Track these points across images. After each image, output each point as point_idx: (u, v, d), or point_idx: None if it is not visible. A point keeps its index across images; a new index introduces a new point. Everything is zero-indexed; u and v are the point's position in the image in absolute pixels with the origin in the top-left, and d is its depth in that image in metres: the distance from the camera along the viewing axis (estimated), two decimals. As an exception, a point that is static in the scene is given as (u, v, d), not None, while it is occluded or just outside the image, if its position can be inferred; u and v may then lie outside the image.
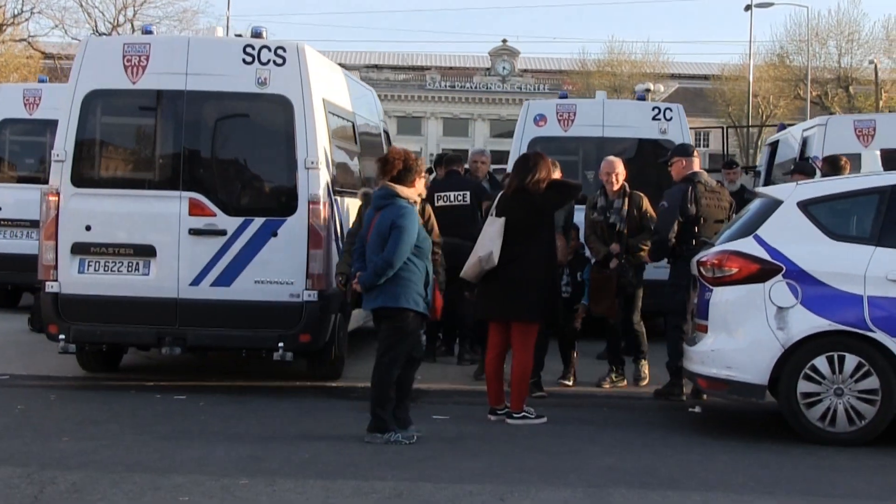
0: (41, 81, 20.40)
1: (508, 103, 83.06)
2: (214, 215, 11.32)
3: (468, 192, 13.41)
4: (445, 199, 13.54)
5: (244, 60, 11.44)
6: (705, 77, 70.65)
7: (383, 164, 9.47)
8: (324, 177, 11.41)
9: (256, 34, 11.72)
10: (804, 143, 16.87)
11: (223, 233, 11.30)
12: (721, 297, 9.75)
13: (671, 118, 16.41)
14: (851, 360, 9.37)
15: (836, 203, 9.89)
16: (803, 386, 9.42)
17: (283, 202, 11.38)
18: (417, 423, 10.04)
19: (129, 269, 11.45)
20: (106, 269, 11.46)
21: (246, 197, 11.67)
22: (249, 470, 8.10)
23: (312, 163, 11.25)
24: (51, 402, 10.91)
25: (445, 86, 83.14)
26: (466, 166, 14.61)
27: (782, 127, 20.41)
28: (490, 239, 10.03)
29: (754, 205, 10.45)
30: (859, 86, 60.26)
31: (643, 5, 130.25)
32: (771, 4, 55.65)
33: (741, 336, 9.63)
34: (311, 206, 11.27)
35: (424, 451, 8.94)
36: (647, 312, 12.91)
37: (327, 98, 12.02)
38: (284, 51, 11.46)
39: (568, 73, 75.79)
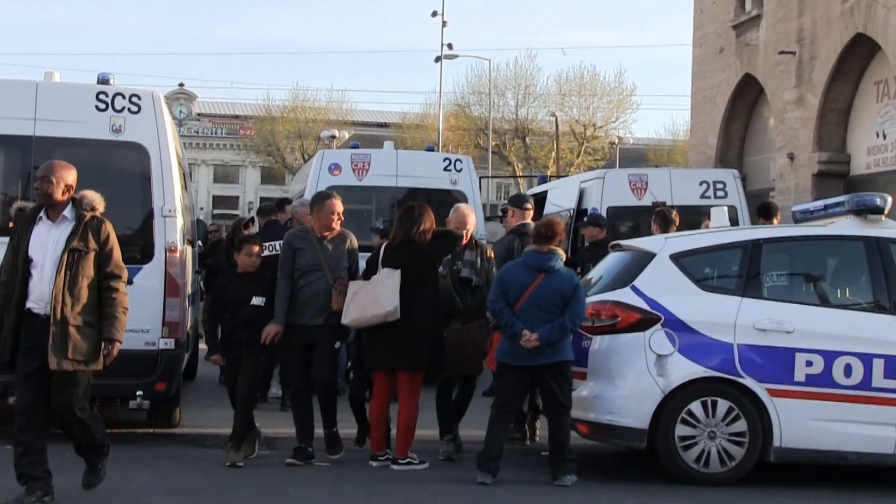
0: None
1: (185, 147, 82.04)
2: (66, 264, 10.91)
3: None
4: (270, 248, 13.44)
5: (97, 107, 11.21)
6: (384, 125, 71.97)
7: (550, 229, 9.92)
8: (180, 224, 11.31)
9: (104, 81, 11.45)
10: (581, 195, 17.68)
11: (76, 282, 10.91)
12: (601, 346, 10.18)
13: (461, 169, 16.96)
14: (723, 405, 9.96)
15: (705, 256, 10.53)
16: (680, 430, 9.94)
17: (139, 250, 11.11)
18: (300, 472, 10.07)
19: (-29, 318, 10.85)
20: (-58, 319, 10.81)
21: (100, 245, 11.28)
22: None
23: (170, 211, 11.13)
24: None
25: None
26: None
27: (543, 179, 21.29)
28: (393, 292, 10.13)
29: (621, 257, 10.99)
30: (535, 136, 62.93)
31: (329, 56, 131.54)
32: (456, 56, 57.44)
33: (623, 383, 10.07)
34: (168, 254, 11.13)
35: (354, 496, 9.10)
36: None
37: (175, 145, 11.87)
38: (139, 98, 11.29)
39: (248, 117, 75.72)
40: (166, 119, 11.39)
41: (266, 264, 11.42)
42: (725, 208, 11.98)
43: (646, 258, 10.51)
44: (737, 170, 19.36)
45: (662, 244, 10.67)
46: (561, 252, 10.01)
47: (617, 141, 62.57)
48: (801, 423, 9.92)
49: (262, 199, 72.44)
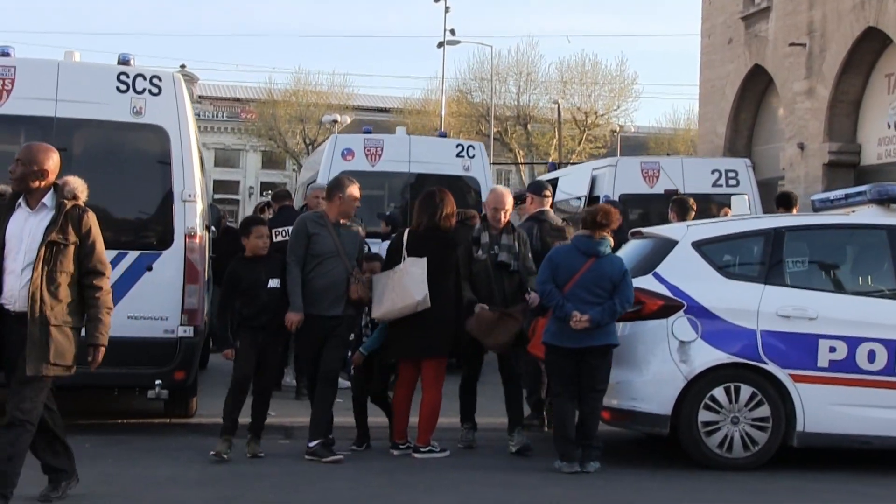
0: None
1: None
2: (85, 248, 10.84)
3: None
4: (284, 234, 13.41)
5: (118, 88, 11.11)
6: (385, 110, 71.78)
7: (606, 217, 9.88)
8: (199, 209, 11.22)
9: (125, 61, 11.36)
10: (593, 182, 17.69)
11: (94, 266, 10.83)
12: (624, 332, 10.16)
13: (474, 155, 16.95)
14: (746, 391, 9.99)
15: (727, 244, 10.55)
16: (703, 415, 9.97)
17: (158, 235, 11.11)
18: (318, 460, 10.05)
19: (-15, 303, 10.74)
20: (-47, 303, 10.69)
21: (119, 229, 11.11)
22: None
23: (190, 195, 11.04)
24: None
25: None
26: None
27: (553, 166, 21.27)
28: (421, 280, 10.05)
29: (643, 244, 10.98)
30: (536, 123, 62.79)
31: (331, 40, 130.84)
32: (458, 42, 57.44)
33: (646, 369, 10.10)
34: (187, 240, 11.02)
35: (377, 484, 9.05)
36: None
37: (193, 129, 11.80)
38: (160, 80, 11.20)
39: (249, 101, 75.49)
40: (186, 101, 11.30)
41: (278, 249, 11.22)
42: (746, 197, 12.04)
43: (668, 245, 10.52)
44: (748, 159, 19.41)
45: (684, 232, 10.67)
46: (610, 238, 10.01)
47: (618, 129, 62.50)
48: (824, 409, 9.95)
49: (262, 184, 72.39)
